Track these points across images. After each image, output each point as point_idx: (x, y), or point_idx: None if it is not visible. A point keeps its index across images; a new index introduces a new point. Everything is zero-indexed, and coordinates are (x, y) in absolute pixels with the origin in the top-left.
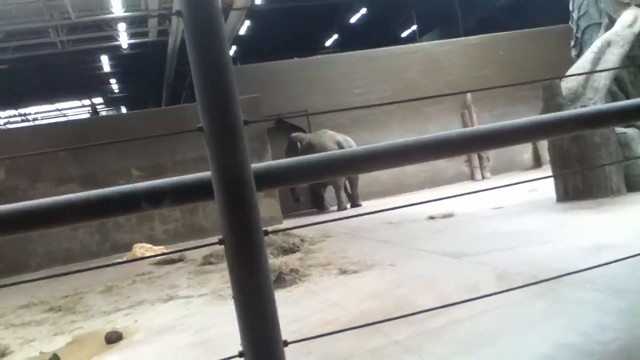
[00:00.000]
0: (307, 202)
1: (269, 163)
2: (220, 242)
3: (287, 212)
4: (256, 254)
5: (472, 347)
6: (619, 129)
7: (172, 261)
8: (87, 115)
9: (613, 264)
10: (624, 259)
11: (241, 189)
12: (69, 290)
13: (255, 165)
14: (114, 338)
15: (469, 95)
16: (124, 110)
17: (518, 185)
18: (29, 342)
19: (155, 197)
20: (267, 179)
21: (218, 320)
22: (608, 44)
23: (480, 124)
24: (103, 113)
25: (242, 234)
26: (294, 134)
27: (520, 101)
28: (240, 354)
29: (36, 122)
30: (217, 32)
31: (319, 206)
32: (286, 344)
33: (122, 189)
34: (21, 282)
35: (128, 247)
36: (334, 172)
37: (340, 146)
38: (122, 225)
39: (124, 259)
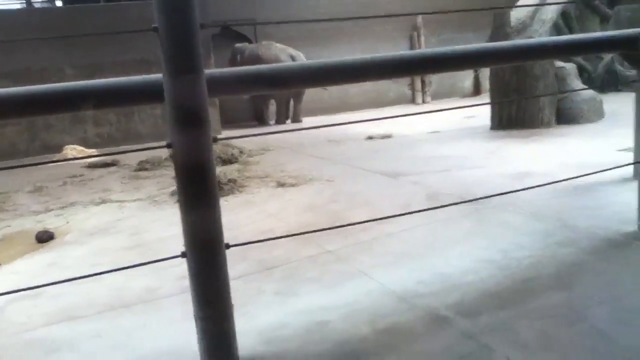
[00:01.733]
0: (248, 115)
1: (223, 70)
2: (168, 146)
3: (226, 123)
4: (204, 158)
5: (399, 259)
6: (559, 63)
7: (105, 165)
8: (20, 5)
9: (534, 189)
10: (544, 185)
11: (193, 92)
12: None
13: (209, 71)
14: (45, 237)
15: (419, 17)
16: (59, 3)
17: (456, 110)
18: None
19: (103, 96)
20: (221, 86)
21: (153, 226)
22: None
23: (428, 47)
24: (37, 6)
25: (192, 138)
26: (238, 45)
27: (469, 27)
28: (183, 254)
29: None
30: None
31: (260, 119)
32: (228, 246)
33: (69, 86)
34: None
35: (59, 148)
36: (291, 84)
37: (293, 60)
38: (52, 125)
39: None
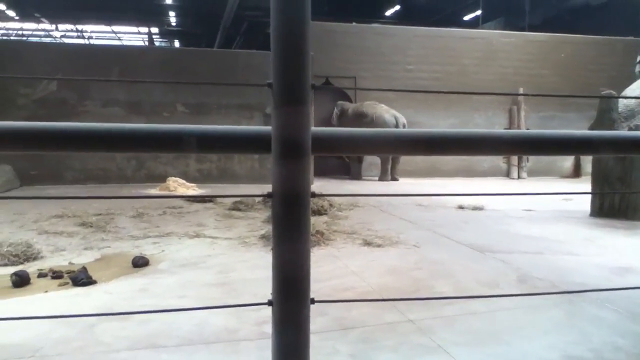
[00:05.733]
0: (338, 167)
1: (329, 129)
2: (269, 195)
3: (317, 174)
4: (301, 212)
5: (482, 341)
6: None
7: (202, 200)
8: (141, 43)
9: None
10: None
11: (298, 149)
12: (101, 209)
13: (315, 129)
14: (140, 262)
15: (520, 90)
16: (177, 44)
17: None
18: (60, 251)
19: (214, 142)
20: (325, 144)
21: (240, 266)
22: None
23: (527, 123)
24: (157, 43)
25: (292, 191)
26: (341, 102)
27: (571, 107)
28: (270, 303)
29: (91, 41)
30: None
31: (353, 174)
32: (313, 301)
33: (184, 128)
34: (62, 197)
35: (162, 179)
36: (393, 149)
37: (397, 120)
38: (159, 157)
39: (157, 189)
